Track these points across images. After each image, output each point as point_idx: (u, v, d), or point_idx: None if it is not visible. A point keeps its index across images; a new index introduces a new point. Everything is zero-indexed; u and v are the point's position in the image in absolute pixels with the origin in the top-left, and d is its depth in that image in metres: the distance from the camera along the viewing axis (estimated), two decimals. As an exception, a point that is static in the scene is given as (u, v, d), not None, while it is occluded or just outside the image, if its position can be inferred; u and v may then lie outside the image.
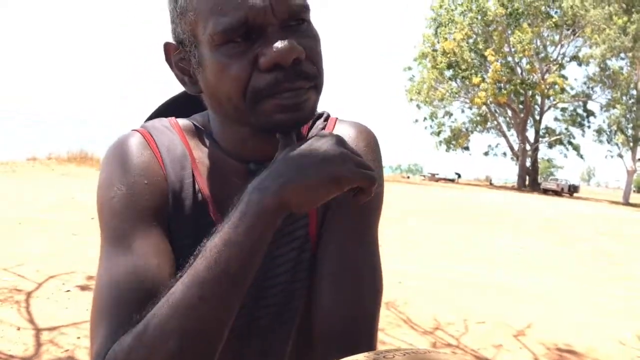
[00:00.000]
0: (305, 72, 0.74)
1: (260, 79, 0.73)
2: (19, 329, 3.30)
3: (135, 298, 0.72)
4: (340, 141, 0.72)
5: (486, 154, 43.77)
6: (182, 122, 0.88)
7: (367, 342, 0.82)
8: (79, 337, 3.25)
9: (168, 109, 1.01)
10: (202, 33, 0.74)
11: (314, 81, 0.76)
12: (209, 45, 0.74)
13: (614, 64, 34.34)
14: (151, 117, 1.00)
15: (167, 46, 0.82)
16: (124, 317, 0.70)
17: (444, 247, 8.30)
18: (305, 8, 0.75)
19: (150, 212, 0.79)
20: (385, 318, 4.11)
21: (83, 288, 4.29)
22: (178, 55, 0.81)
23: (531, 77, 36.95)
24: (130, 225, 0.77)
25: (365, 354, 0.69)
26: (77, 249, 5.51)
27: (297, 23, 0.75)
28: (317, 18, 0.84)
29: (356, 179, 0.69)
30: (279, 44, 0.71)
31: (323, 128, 0.91)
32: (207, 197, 0.83)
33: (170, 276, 0.75)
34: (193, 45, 0.77)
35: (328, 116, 0.93)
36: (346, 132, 0.90)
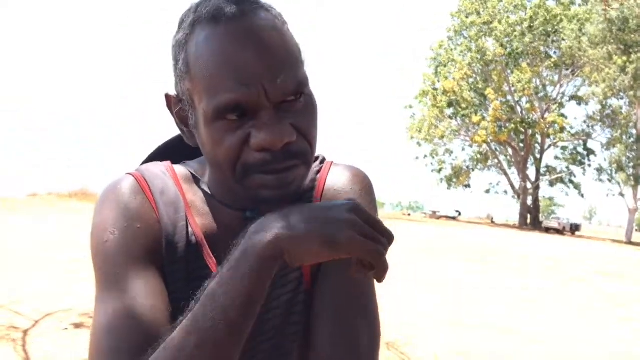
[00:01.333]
0: (294, 153, 0.74)
1: (250, 156, 0.73)
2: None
3: (131, 343, 0.71)
4: (354, 208, 0.68)
5: (487, 191, 43.75)
6: (178, 168, 0.89)
7: None
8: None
9: (164, 153, 1.02)
10: (197, 103, 0.75)
11: (304, 159, 0.76)
12: (203, 117, 0.74)
13: (614, 102, 34.63)
14: (147, 161, 1.01)
15: (168, 97, 0.83)
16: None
17: (445, 286, 8.22)
18: (302, 84, 0.75)
19: (144, 255, 0.78)
20: (386, 359, 4.05)
21: (80, 326, 4.24)
22: (178, 108, 0.81)
23: (531, 116, 37.21)
24: (123, 270, 0.76)
25: None
26: (74, 286, 5.47)
27: (294, 99, 0.74)
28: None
29: (354, 248, 0.65)
30: (269, 131, 0.71)
31: (318, 171, 0.91)
32: (200, 241, 0.83)
33: (166, 317, 0.75)
34: (190, 108, 0.78)
35: (324, 159, 0.94)
36: (341, 176, 0.91)
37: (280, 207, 0.78)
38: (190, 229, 0.83)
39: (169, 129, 1.07)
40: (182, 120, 0.82)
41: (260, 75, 0.70)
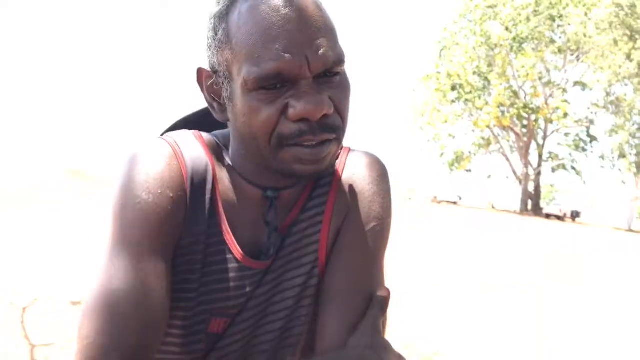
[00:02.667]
0: (330, 126, 0.75)
1: (286, 127, 0.74)
2: (14, 345, 3.26)
3: (131, 313, 0.71)
4: None
5: (489, 177, 43.73)
6: (206, 137, 0.88)
7: None
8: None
9: (183, 127, 1.00)
10: (236, 73, 0.75)
11: (337, 133, 0.77)
12: (241, 87, 0.74)
13: (618, 89, 34.49)
14: (172, 128, 1.01)
15: (200, 71, 0.83)
16: (109, 340, 0.69)
17: (446, 270, 8.24)
18: (341, 61, 0.76)
19: (169, 227, 0.77)
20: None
21: (79, 303, 4.24)
22: (210, 82, 0.81)
23: (534, 101, 37.07)
24: (147, 237, 0.75)
25: None
26: (75, 264, 5.48)
27: (332, 75, 0.75)
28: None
29: None
30: (309, 100, 0.72)
31: (337, 157, 0.91)
32: (221, 215, 0.83)
33: (168, 296, 0.75)
34: (227, 80, 0.77)
35: (341, 146, 0.95)
36: (359, 162, 0.92)
37: (310, 181, 0.81)
38: (214, 204, 0.83)
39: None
40: (214, 92, 0.82)
41: (303, 44, 0.71)
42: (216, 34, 0.77)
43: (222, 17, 0.77)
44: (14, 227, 7.26)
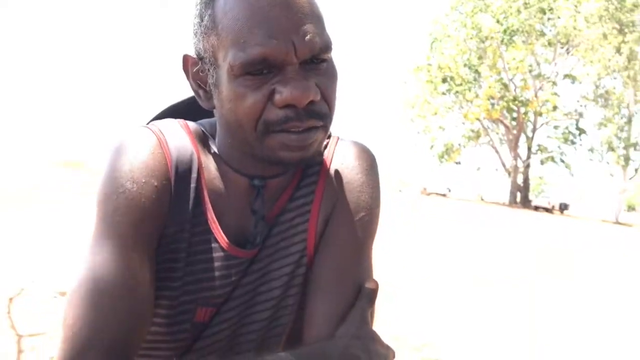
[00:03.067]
0: (316, 112, 0.75)
1: (272, 113, 0.73)
2: (0, 336, 3.24)
3: (116, 302, 0.70)
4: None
5: (478, 169, 43.95)
6: (192, 125, 0.87)
7: None
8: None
9: (170, 116, 1.00)
10: (222, 59, 0.74)
11: (324, 121, 0.77)
12: (227, 73, 0.73)
13: (607, 83, 34.73)
14: (158, 117, 1.00)
15: (185, 58, 0.82)
16: (93, 329, 0.68)
17: (435, 261, 8.28)
18: (328, 48, 0.75)
19: (153, 216, 0.77)
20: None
21: (67, 294, 4.22)
22: (196, 69, 0.80)
23: (524, 94, 37.22)
24: (131, 226, 0.74)
25: None
26: (61, 253, 5.45)
27: (318, 62, 0.75)
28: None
29: None
30: (295, 85, 0.72)
31: (325, 146, 0.91)
32: (207, 204, 0.82)
33: (151, 285, 0.75)
34: (212, 66, 0.76)
35: (330, 134, 0.94)
36: (348, 152, 0.91)
37: (296, 168, 0.80)
38: (199, 193, 0.82)
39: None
40: (200, 79, 0.81)
41: (290, 30, 0.71)
42: (202, 20, 0.77)
43: (209, 2, 0.76)
44: None
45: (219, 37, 0.74)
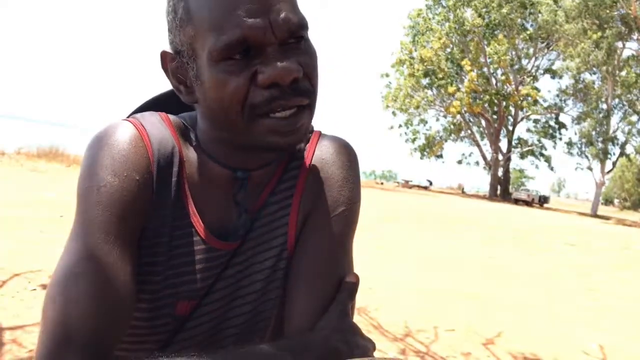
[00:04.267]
0: (301, 90, 0.75)
1: (257, 95, 0.73)
2: (-20, 328, 3.21)
3: (93, 295, 0.70)
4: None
5: (459, 162, 44.21)
6: (173, 118, 0.87)
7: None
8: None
9: (152, 107, 0.99)
10: (200, 48, 0.74)
11: (309, 98, 0.77)
12: (207, 61, 0.73)
13: (587, 77, 35.07)
14: (138, 111, 0.99)
15: (163, 54, 0.82)
16: (72, 323, 0.68)
17: (415, 254, 8.34)
18: (304, 26, 0.75)
19: (134, 210, 0.76)
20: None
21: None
22: (175, 64, 0.80)
23: (505, 88, 37.47)
24: (112, 220, 0.74)
25: None
26: (44, 247, 5.40)
27: (296, 40, 0.75)
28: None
29: None
30: (278, 64, 0.71)
31: (307, 141, 0.92)
32: (187, 197, 0.82)
33: (133, 279, 0.74)
34: (191, 58, 0.76)
35: (312, 130, 0.94)
36: (329, 147, 0.92)
37: (285, 152, 0.80)
38: (181, 186, 0.82)
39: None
40: (180, 74, 0.80)
41: (265, 10, 0.71)
42: (176, 14, 0.76)
43: None
44: (-21, 209, 7.11)
45: (195, 27, 0.74)
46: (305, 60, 0.75)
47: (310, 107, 0.78)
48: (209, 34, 0.72)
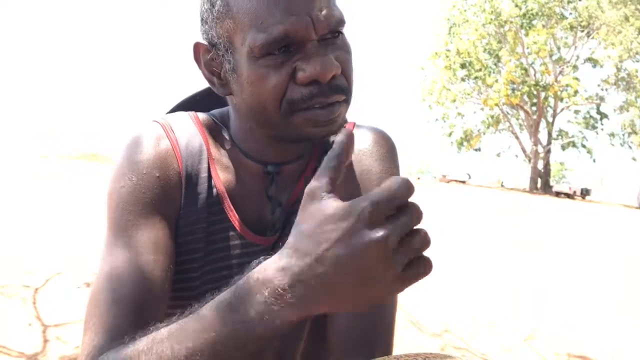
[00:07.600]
0: (339, 87, 0.75)
1: (296, 91, 0.73)
2: (27, 325, 3.30)
3: (129, 294, 0.72)
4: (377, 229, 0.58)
5: (498, 155, 43.52)
6: (202, 116, 0.88)
7: (384, 350, 0.82)
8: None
9: (188, 106, 1.01)
10: (240, 42, 0.74)
11: (346, 94, 0.77)
12: (247, 56, 0.73)
13: (629, 66, 34.14)
14: (173, 111, 1.01)
15: (197, 46, 0.81)
16: (115, 316, 0.70)
17: (454, 248, 8.24)
18: (343, 22, 0.76)
19: (157, 205, 0.78)
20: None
21: (92, 285, 4.28)
22: (208, 56, 0.80)
23: (545, 78, 36.71)
24: (134, 217, 0.76)
25: (381, 359, 0.67)
26: (86, 245, 5.52)
27: (334, 36, 0.75)
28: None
29: (405, 286, 0.61)
30: (318, 61, 0.72)
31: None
32: (222, 193, 0.83)
33: (166, 273, 0.76)
34: (228, 51, 0.76)
35: (346, 120, 0.93)
36: (365, 137, 0.91)
37: (327, 137, 0.78)
38: (212, 181, 0.82)
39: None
40: (214, 66, 0.80)
41: (306, 6, 0.71)
42: (213, 6, 0.76)
43: None
44: (26, 207, 7.30)
45: (234, 20, 0.73)
46: (341, 56, 0.75)
47: (346, 102, 0.78)
48: (250, 29, 0.72)
